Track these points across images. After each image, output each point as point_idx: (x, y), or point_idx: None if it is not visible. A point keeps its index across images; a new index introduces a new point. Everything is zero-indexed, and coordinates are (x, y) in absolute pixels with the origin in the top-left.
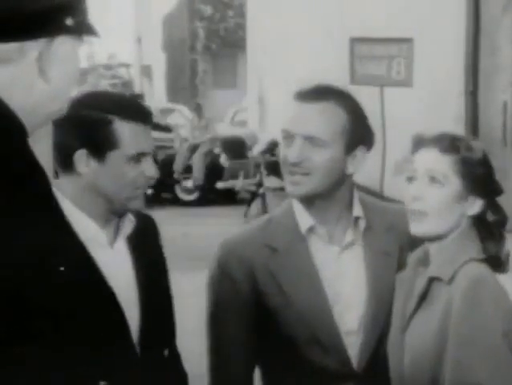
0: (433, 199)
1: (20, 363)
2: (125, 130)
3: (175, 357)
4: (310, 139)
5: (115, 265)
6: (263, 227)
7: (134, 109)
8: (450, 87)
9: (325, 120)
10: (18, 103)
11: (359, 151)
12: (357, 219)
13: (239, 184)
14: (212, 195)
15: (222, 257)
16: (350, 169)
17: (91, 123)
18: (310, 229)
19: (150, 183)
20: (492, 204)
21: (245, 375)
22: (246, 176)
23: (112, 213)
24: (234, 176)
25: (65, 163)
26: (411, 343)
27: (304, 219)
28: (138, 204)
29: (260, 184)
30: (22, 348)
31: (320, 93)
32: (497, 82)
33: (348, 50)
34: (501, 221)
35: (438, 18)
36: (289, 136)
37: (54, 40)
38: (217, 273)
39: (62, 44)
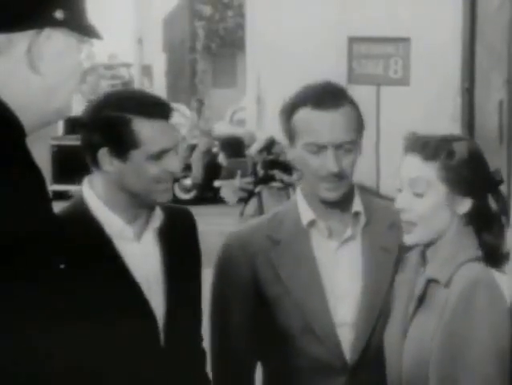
0: (419, 209)
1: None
2: (145, 128)
3: (199, 354)
4: (341, 147)
5: (142, 257)
6: (269, 220)
7: (153, 106)
8: (446, 86)
9: (349, 124)
10: (12, 99)
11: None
12: (357, 214)
13: (236, 182)
14: (210, 193)
15: (227, 245)
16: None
17: (110, 123)
18: (311, 223)
19: (175, 176)
20: (494, 194)
21: (247, 363)
22: (244, 175)
23: (141, 207)
24: (232, 175)
25: (93, 161)
26: (410, 346)
27: (306, 213)
28: (166, 197)
29: (256, 183)
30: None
31: (334, 98)
32: (493, 80)
33: (346, 49)
34: (503, 209)
35: (435, 17)
36: (318, 148)
37: (43, 32)
38: (221, 262)
39: (53, 38)
